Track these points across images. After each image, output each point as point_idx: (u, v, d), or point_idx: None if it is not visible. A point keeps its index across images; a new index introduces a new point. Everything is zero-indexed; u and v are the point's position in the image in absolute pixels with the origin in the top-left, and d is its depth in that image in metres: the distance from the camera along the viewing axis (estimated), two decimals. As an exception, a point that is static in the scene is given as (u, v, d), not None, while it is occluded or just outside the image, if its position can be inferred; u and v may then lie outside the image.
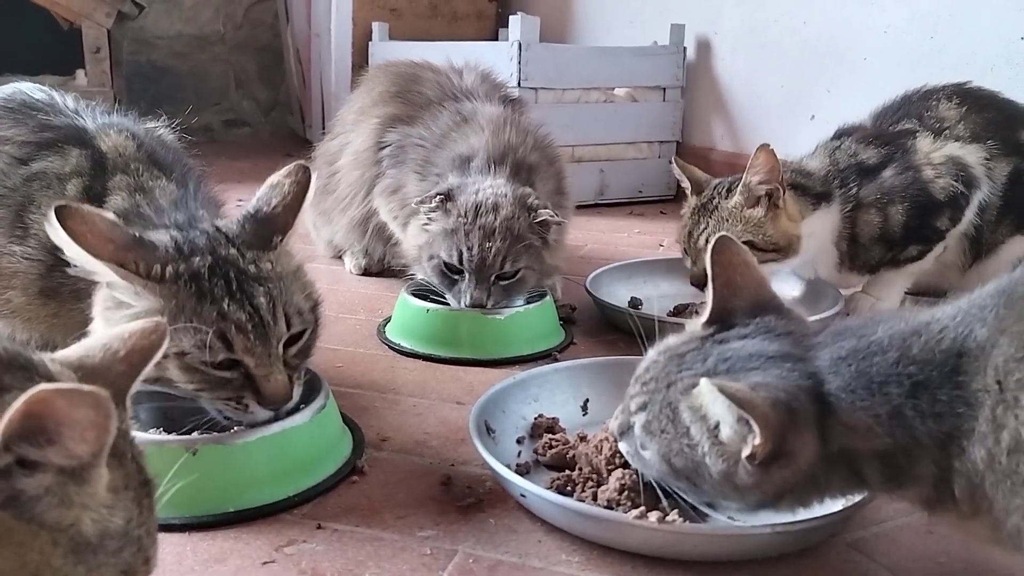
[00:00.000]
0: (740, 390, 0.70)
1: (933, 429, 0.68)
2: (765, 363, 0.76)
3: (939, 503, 0.71)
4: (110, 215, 0.93)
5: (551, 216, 1.49)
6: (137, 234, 0.94)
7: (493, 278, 1.46)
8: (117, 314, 0.93)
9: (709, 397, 0.73)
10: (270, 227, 1.00)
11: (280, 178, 1.03)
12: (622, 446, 0.89)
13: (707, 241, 1.44)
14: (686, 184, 1.60)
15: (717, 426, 0.75)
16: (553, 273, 1.64)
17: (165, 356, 0.90)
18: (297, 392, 0.99)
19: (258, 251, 0.98)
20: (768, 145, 1.45)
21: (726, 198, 1.51)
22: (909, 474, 0.71)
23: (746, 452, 0.73)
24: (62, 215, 0.87)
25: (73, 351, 0.62)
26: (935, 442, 0.68)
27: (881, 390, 0.70)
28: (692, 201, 1.58)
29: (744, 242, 1.43)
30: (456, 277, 1.48)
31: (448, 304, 1.51)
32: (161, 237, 0.96)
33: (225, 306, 0.92)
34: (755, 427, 0.70)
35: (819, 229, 1.52)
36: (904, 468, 0.71)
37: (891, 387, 0.69)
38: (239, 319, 0.92)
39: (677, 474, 0.80)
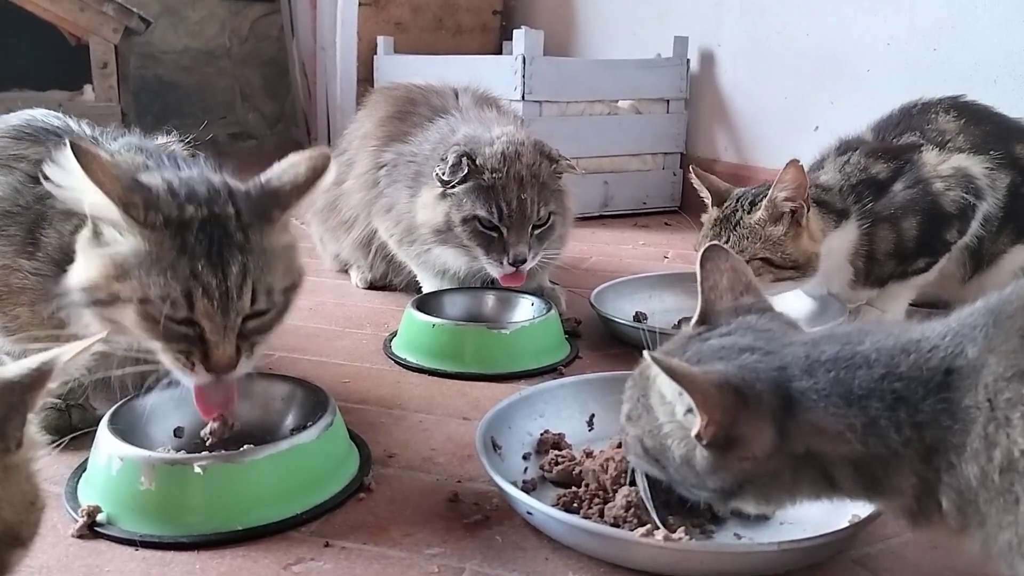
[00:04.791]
0: (681, 367, 0.72)
1: (912, 439, 0.68)
2: (733, 354, 0.77)
3: (922, 516, 0.71)
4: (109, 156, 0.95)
5: (569, 165, 1.55)
6: (136, 177, 0.95)
7: (531, 228, 1.48)
8: (96, 249, 0.94)
9: (658, 376, 0.75)
10: (275, 200, 1.00)
11: (300, 158, 1.03)
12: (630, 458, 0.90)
13: None
14: (705, 194, 1.54)
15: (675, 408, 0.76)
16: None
17: (127, 300, 0.92)
18: (245, 365, 0.97)
19: (254, 219, 0.97)
20: (798, 161, 1.41)
21: (749, 212, 1.46)
22: (887, 484, 0.71)
23: (693, 432, 0.73)
24: (78, 151, 0.88)
25: None
26: (915, 453, 0.68)
27: (860, 403, 0.69)
28: (713, 213, 1.52)
29: (761, 259, 1.43)
30: (493, 235, 1.51)
31: (453, 315, 1.52)
32: (154, 179, 0.96)
33: (199, 266, 0.91)
34: (691, 403, 0.72)
35: (838, 246, 1.50)
36: (880, 477, 0.71)
37: (872, 400, 0.69)
38: (208, 283, 0.91)
39: (649, 457, 0.82)
